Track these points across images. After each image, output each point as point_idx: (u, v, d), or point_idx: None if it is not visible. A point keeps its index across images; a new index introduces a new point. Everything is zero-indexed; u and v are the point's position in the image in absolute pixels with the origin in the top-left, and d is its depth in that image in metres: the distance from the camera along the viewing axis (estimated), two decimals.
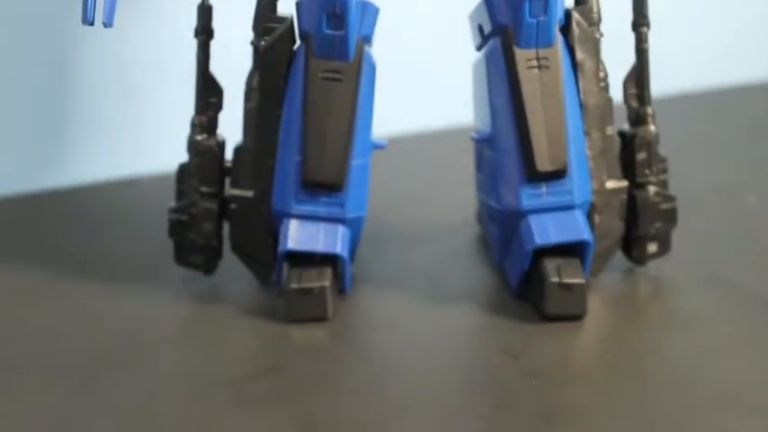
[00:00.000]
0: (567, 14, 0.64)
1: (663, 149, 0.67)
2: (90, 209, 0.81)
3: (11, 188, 0.84)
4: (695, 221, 0.73)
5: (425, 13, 0.93)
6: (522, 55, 0.62)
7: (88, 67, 0.84)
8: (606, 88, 0.65)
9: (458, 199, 0.78)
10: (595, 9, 0.65)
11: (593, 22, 0.64)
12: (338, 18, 0.61)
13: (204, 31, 0.66)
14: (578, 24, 0.64)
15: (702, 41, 1.05)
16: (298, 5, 0.63)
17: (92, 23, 0.57)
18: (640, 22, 0.66)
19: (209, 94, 0.66)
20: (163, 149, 0.84)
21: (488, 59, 0.63)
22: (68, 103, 0.85)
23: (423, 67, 0.94)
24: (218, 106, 0.66)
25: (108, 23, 0.57)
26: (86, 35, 0.79)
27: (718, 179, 0.84)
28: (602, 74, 0.65)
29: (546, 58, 0.62)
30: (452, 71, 0.80)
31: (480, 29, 0.65)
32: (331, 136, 0.62)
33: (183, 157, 0.67)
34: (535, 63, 0.62)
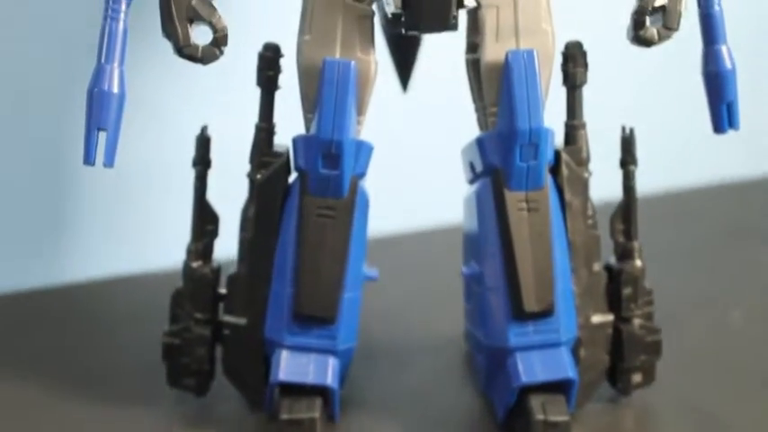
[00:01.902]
0: (557, 155, 0.65)
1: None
2: (74, 312, 0.81)
3: None
4: (679, 343, 0.74)
5: (419, 109, 0.94)
6: (512, 197, 0.63)
7: (81, 171, 0.85)
8: (594, 226, 0.66)
9: (448, 310, 0.78)
10: (584, 149, 0.66)
11: (582, 162, 0.66)
12: (333, 158, 0.62)
13: (202, 162, 0.67)
14: (567, 165, 0.65)
15: (676, 139, 1.04)
16: (294, 142, 0.64)
17: (93, 164, 0.59)
18: (628, 160, 0.68)
19: (205, 222, 0.67)
20: (152, 249, 0.85)
21: (479, 199, 0.65)
22: (54, 204, 0.86)
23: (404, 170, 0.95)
24: (214, 233, 0.67)
25: (108, 165, 0.59)
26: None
27: (700, 292, 0.84)
28: (589, 212, 0.66)
29: (536, 201, 0.63)
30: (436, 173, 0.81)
31: (471, 165, 0.66)
32: (324, 271, 0.64)
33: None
34: (525, 206, 0.63)
